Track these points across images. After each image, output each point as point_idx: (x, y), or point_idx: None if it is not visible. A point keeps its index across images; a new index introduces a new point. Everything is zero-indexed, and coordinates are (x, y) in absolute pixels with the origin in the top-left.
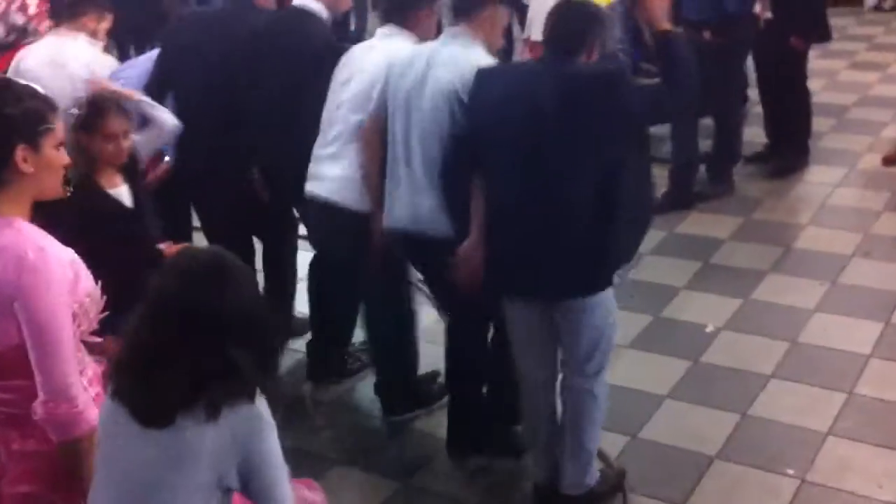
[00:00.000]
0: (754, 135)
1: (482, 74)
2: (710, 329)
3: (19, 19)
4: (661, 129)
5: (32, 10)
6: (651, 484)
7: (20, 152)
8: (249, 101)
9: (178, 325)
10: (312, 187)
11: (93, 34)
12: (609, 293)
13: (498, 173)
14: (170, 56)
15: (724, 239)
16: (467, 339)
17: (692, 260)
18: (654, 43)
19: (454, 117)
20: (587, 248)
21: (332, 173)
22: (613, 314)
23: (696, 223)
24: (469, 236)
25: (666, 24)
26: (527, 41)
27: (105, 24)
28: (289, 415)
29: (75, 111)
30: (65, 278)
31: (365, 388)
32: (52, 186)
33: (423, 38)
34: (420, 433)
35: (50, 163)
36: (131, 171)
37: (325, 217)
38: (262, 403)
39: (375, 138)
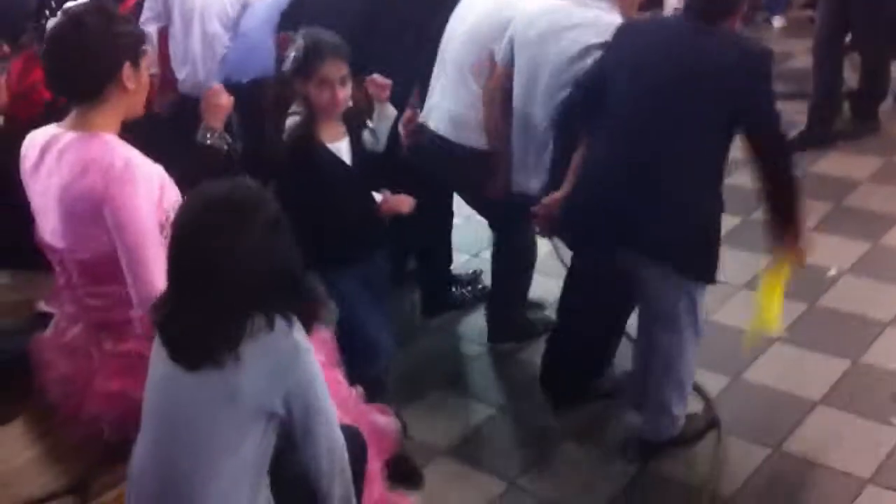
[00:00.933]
0: None
1: (625, 27)
2: (832, 272)
3: None
4: (804, 62)
5: None
6: (748, 426)
7: (126, 69)
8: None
9: (193, 263)
10: (427, 118)
11: None
12: None
13: (616, 121)
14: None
15: (862, 180)
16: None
17: (824, 201)
18: None
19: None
20: (692, 222)
21: (446, 108)
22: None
23: (834, 163)
24: (562, 185)
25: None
26: None
27: None
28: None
29: (292, 55)
30: (151, 190)
31: (472, 316)
32: (140, 106)
33: None
34: (523, 363)
35: (144, 83)
36: (355, 124)
37: (439, 149)
38: (298, 331)
39: (499, 94)
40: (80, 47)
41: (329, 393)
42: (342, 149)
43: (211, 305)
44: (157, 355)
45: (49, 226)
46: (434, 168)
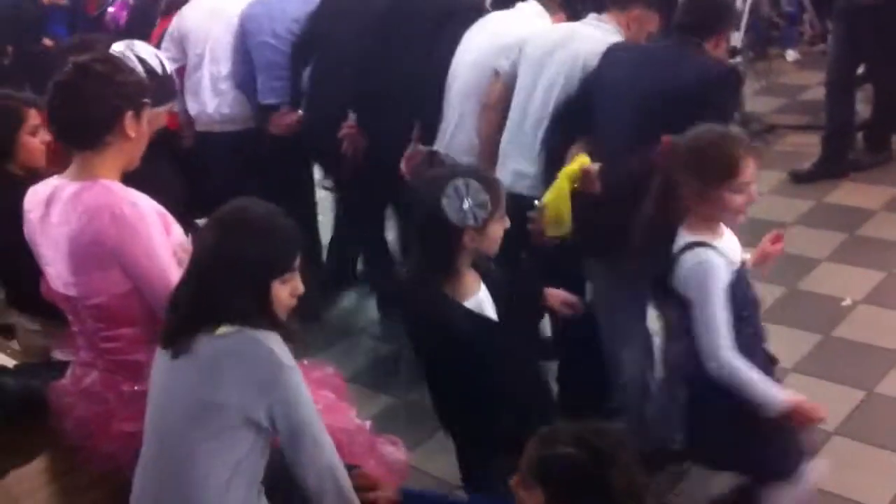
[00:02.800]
0: None
1: (612, 48)
2: (847, 302)
3: None
4: (818, 94)
5: None
6: None
7: (129, 118)
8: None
9: (199, 255)
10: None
11: None
12: None
13: (602, 139)
14: (322, 15)
15: (875, 210)
16: None
17: (838, 231)
18: None
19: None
20: None
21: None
22: None
23: (848, 193)
24: None
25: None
26: None
27: None
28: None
29: (469, 205)
30: (159, 228)
31: None
32: (139, 156)
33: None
34: None
35: (144, 134)
36: (489, 270)
37: None
38: (282, 351)
39: (499, 104)
40: (85, 95)
41: (336, 423)
42: (483, 300)
43: (195, 293)
44: (159, 355)
45: (60, 276)
46: None
